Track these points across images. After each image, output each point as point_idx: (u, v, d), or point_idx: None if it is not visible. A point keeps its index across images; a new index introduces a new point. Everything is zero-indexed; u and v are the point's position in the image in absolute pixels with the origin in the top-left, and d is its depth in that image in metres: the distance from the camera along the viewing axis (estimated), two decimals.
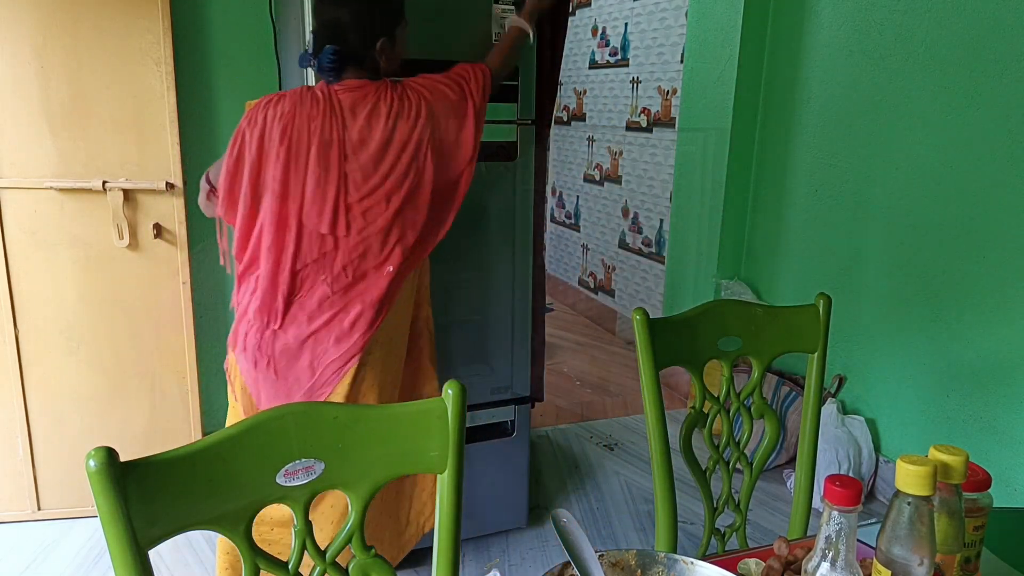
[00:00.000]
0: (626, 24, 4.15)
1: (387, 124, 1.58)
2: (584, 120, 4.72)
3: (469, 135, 1.68)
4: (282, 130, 1.55)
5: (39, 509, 2.33)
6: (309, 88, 1.58)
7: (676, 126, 3.58)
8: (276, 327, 1.62)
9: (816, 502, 2.14)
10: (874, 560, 0.75)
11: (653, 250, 4.02)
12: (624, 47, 4.18)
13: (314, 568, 0.93)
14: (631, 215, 4.22)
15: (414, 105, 1.60)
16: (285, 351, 1.62)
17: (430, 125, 1.62)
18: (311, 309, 1.61)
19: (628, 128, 4.19)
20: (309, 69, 1.72)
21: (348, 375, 1.63)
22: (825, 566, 0.72)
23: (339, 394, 1.63)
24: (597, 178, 4.60)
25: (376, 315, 1.64)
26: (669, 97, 3.78)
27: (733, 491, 1.43)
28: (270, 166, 1.57)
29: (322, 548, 0.93)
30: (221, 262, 1.82)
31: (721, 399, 1.39)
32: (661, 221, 3.92)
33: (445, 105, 1.65)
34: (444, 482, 0.97)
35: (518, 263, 2.13)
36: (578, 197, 4.88)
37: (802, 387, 2.68)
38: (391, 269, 1.63)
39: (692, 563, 0.84)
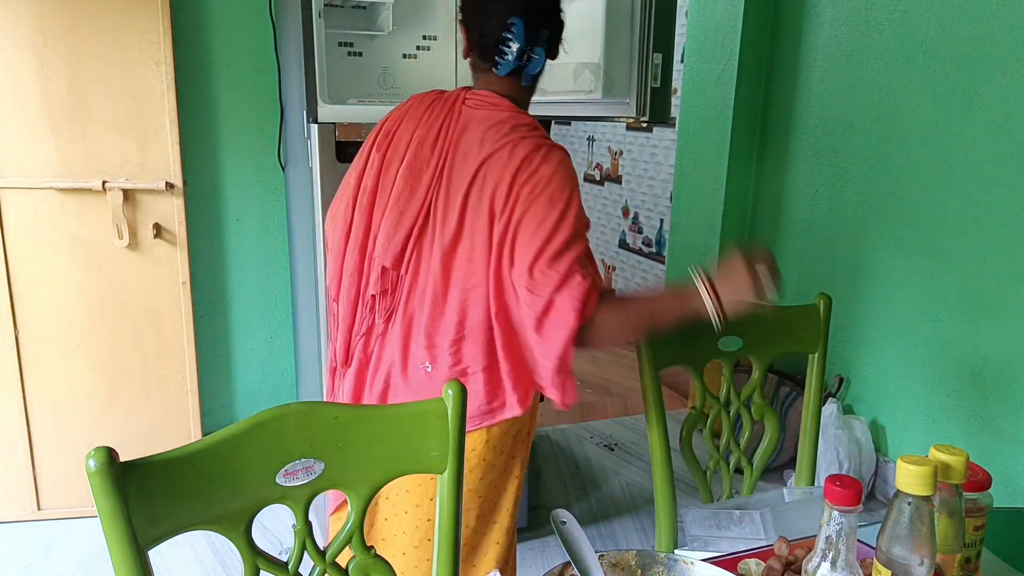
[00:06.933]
0: None
1: (484, 169, 1.16)
2: (584, 120, 4.72)
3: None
4: (384, 132, 1.26)
5: (39, 509, 2.33)
6: (442, 91, 1.28)
7: (676, 126, 3.58)
8: (342, 368, 1.33)
9: None
10: (874, 560, 0.75)
11: (653, 250, 4.02)
12: None
13: (314, 568, 0.93)
14: (631, 215, 4.22)
15: (544, 180, 1.18)
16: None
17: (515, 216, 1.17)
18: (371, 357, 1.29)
19: (628, 128, 4.19)
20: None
21: None
22: (825, 566, 0.72)
23: None
24: (597, 178, 4.60)
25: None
26: None
27: (734, 491, 1.43)
28: (365, 175, 1.27)
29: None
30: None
31: (722, 399, 1.39)
32: (661, 221, 3.92)
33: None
34: (444, 482, 0.97)
35: None
36: None
37: (802, 387, 2.68)
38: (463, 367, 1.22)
39: (692, 563, 0.84)
